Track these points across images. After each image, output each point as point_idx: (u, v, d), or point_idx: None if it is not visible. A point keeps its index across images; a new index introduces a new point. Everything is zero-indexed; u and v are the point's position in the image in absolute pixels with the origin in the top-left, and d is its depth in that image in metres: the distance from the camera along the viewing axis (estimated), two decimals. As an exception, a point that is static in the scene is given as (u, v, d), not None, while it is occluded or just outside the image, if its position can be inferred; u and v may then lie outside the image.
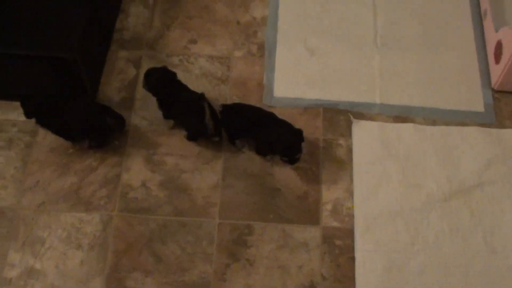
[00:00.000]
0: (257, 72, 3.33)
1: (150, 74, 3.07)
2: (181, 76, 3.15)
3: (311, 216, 2.91)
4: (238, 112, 3.03)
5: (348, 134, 3.13)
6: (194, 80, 3.22)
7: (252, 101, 3.19)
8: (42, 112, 2.97)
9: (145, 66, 3.23)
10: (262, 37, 3.46)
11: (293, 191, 2.96)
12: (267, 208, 2.92)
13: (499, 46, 3.25)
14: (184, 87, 3.08)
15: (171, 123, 3.13)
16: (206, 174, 3.00)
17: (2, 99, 3.16)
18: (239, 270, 2.77)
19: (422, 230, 2.86)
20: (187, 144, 3.07)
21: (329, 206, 2.93)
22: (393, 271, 2.77)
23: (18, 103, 2.99)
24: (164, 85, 3.04)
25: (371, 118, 3.19)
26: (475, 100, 3.28)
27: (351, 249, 2.83)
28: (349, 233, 2.87)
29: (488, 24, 3.44)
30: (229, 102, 3.17)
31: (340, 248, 2.83)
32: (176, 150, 3.05)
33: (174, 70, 3.11)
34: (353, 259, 2.80)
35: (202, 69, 3.33)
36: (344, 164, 3.04)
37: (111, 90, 3.24)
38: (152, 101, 3.11)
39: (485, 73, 3.36)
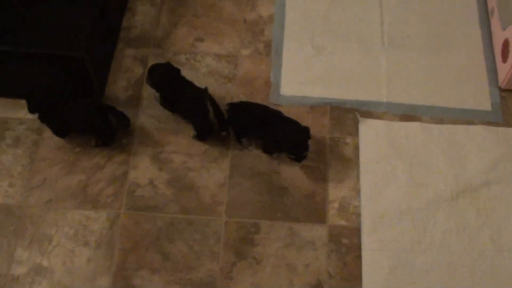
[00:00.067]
0: (263, 71, 3.33)
1: (154, 70, 3.08)
2: (188, 74, 3.16)
3: (318, 214, 2.91)
4: (244, 111, 3.03)
5: (355, 132, 3.13)
6: (201, 78, 3.22)
7: (259, 99, 3.19)
8: (44, 109, 2.98)
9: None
10: (269, 36, 3.46)
11: (300, 189, 2.96)
12: (274, 207, 2.92)
13: (506, 45, 3.25)
14: (188, 83, 3.09)
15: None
16: (213, 172, 3.00)
17: (10, 97, 3.16)
18: (246, 268, 2.78)
19: (429, 229, 2.86)
20: (194, 143, 3.07)
21: (335, 205, 2.93)
22: (400, 269, 2.77)
23: (25, 101, 3.00)
24: (168, 81, 3.05)
25: (378, 116, 3.19)
26: (482, 98, 3.27)
27: (357, 247, 2.83)
28: (356, 232, 2.87)
29: (495, 22, 3.43)
30: (235, 100, 3.17)
31: (346, 246, 2.83)
32: (183, 148, 3.06)
33: (181, 68, 3.11)
34: (359, 257, 2.80)
35: (209, 67, 3.33)
36: (351, 163, 3.04)
37: (118, 88, 3.24)
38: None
39: (492, 72, 3.35)
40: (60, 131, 3.05)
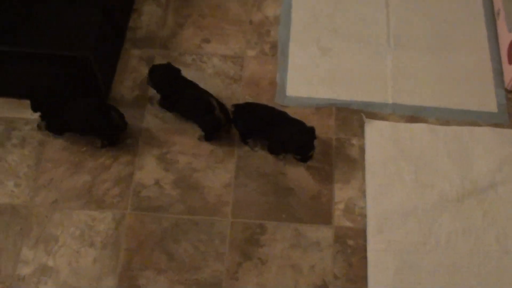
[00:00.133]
0: (269, 72, 3.33)
1: (154, 71, 3.08)
2: (194, 75, 3.16)
3: (323, 215, 2.91)
4: (250, 112, 3.03)
5: (360, 133, 3.12)
6: (207, 79, 3.22)
7: (265, 100, 3.19)
8: (45, 108, 2.99)
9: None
10: (275, 36, 3.46)
11: (306, 190, 2.96)
12: (279, 208, 2.92)
13: (512, 46, 3.26)
14: (189, 83, 3.10)
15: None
16: (218, 173, 3.00)
17: (16, 97, 3.17)
18: (251, 269, 2.78)
19: (434, 230, 2.86)
20: (200, 143, 3.07)
21: (341, 206, 2.93)
22: (405, 271, 2.77)
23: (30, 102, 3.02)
24: (168, 82, 3.06)
25: (383, 118, 3.19)
26: (488, 100, 3.27)
27: (363, 248, 2.83)
28: (362, 233, 2.87)
29: (501, 24, 3.43)
30: (241, 101, 3.17)
31: (352, 247, 2.83)
32: (189, 148, 3.06)
33: (187, 69, 3.12)
34: (365, 258, 2.80)
35: (215, 68, 3.33)
36: (356, 164, 3.04)
37: (124, 88, 3.25)
38: (165, 100, 3.14)
39: (498, 73, 3.35)
40: (57, 129, 3.06)
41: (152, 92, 3.19)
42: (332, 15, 3.55)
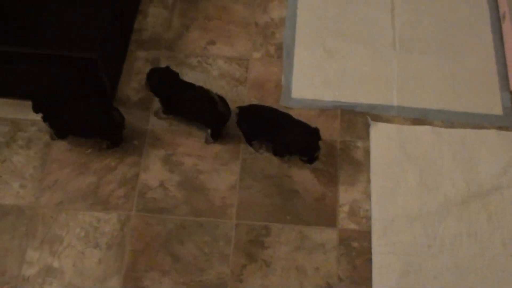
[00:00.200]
0: (275, 73, 3.33)
1: (152, 74, 3.08)
2: (200, 77, 3.17)
3: (328, 218, 2.91)
4: (255, 114, 3.03)
5: (365, 136, 3.12)
6: (212, 81, 3.22)
7: (270, 102, 3.19)
8: (46, 109, 3.00)
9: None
10: (280, 39, 3.47)
11: (311, 192, 2.96)
12: (284, 210, 2.92)
13: (518, 49, 3.26)
14: (188, 85, 3.10)
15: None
16: (223, 175, 3.00)
17: (21, 98, 3.17)
18: (256, 271, 2.78)
19: (439, 233, 2.86)
20: (205, 145, 3.08)
21: (346, 208, 2.93)
22: (410, 273, 2.77)
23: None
24: (167, 85, 3.06)
25: (388, 120, 3.19)
26: (493, 103, 3.27)
27: (368, 251, 2.83)
28: (366, 235, 2.87)
29: (507, 26, 3.42)
30: (247, 103, 3.17)
31: (357, 250, 2.83)
32: (194, 150, 3.06)
33: (192, 71, 3.13)
34: (370, 261, 2.80)
35: (220, 70, 3.33)
36: (361, 166, 3.04)
37: (129, 90, 3.25)
38: (170, 101, 3.14)
39: (504, 76, 3.34)
40: (60, 132, 3.07)
41: (156, 105, 3.19)
42: (338, 17, 3.55)
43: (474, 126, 3.18)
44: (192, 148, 3.07)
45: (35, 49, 2.98)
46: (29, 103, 3.04)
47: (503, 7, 3.50)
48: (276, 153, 3.05)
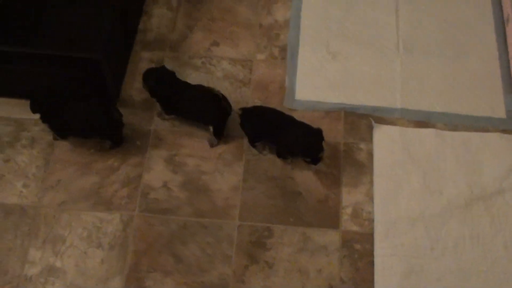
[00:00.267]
0: (278, 75, 3.33)
1: (149, 74, 3.09)
2: (203, 78, 3.18)
3: (331, 219, 2.91)
4: (258, 115, 3.03)
5: (369, 138, 3.12)
6: (216, 82, 3.23)
7: (274, 104, 3.19)
8: (45, 109, 3.00)
9: (168, 67, 3.23)
10: (284, 40, 3.47)
11: (314, 194, 2.96)
12: (287, 211, 2.92)
13: (522, 52, 3.26)
14: (186, 84, 3.10)
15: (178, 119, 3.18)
16: (227, 176, 3.00)
17: (25, 98, 3.16)
18: (258, 272, 2.78)
19: (442, 236, 2.85)
20: (208, 146, 3.08)
21: (349, 210, 2.93)
22: (412, 276, 2.76)
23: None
24: (166, 85, 3.06)
25: (392, 122, 3.18)
26: (497, 106, 3.26)
27: (370, 253, 2.83)
28: (369, 237, 2.86)
29: (511, 29, 3.42)
30: (250, 104, 3.17)
31: (359, 252, 2.83)
32: (198, 151, 3.07)
33: (196, 72, 3.14)
34: (372, 263, 2.80)
35: (224, 71, 3.33)
36: (364, 168, 3.04)
37: (133, 90, 3.26)
38: (174, 102, 3.14)
39: (507, 79, 3.34)
40: (60, 132, 3.07)
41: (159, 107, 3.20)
42: (342, 19, 3.55)
43: (478, 129, 3.18)
44: (195, 149, 3.07)
45: (38, 50, 2.98)
46: (32, 103, 3.05)
47: (507, 10, 3.50)
48: (279, 155, 3.05)
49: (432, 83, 3.32)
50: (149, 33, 3.47)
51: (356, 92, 3.28)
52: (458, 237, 2.85)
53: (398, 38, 3.48)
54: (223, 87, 3.21)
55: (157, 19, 3.53)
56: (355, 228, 2.89)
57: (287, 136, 2.96)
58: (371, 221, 2.90)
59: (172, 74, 3.10)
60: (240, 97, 3.24)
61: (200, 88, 3.06)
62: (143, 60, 3.35)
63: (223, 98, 3.02)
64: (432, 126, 3.18)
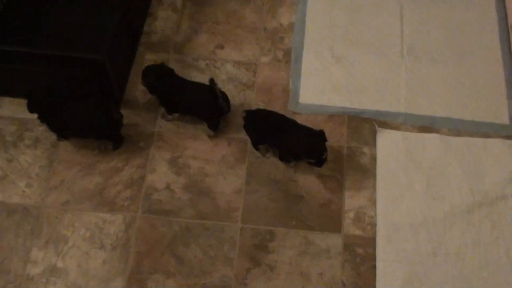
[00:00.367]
0: (282, 78, 3.33)
1: (148, 72, 3.09)
2: (207, 80, 3.17)
3: (333, 223, 2.91)
4: (262, 118, 3.03)
5: (372, 142, 3.13)
6: (220, 85, 3.21)
7: (277, 107, 3.20)
8: (43, 109, 3.00)
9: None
10: (289, 44, 3.47)
11: (316, 198, 2.96)
12: (289, 214, 2.92)
13: (526, 59, 3.26)
14: (185, 81, 3.11)
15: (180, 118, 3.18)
16: (230, 178, 3.01)
17: (29, 98, 3.19)
18: (260, 275, 2.78)
19: (444, 242, 2.85)
20: (212, 148, 3.08)
21: (351, 214, 2.93)
22: (414, 281, 2.76)
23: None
24: (163, 82, 3.07)
25: (395, 127, 3.19)
26: (500, 112, 3.26)
27: (372, 258, 2.83)
28: (371, 242, 2.87)
29: (515, 36, 3.44)
30: (254, 107, 3.18)
31: (361, 256, 2.83)
32: (201, 154, 3.07)
33: (200, 74, 3.14)
34: (374, 268, 2.80)
35: (228, 74, 3.34)
36: (367, 173, 3.04)
37: (137, 92, 3.26)
38: (178, 104, 3.15)
39: (511, 86, 3.34)
40: (59, 132, 3.07)
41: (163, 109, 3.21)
42: (346, 24, 3.55)
43: (481, 135, 3.18)
44: (198, 151, 3.08)
45: (43, 50, 2.98)
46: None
47: (511, 17, 3.50)
48: (282, 158, 3.05)
49: (436, 89, 3.32)
50: (153, 35, 3.48)
51: (360, 96, 3.28)
52: (460, 243, 2.85)
53: (402, 43, 3.48)
54: (227, 90, 3.21)
55: (162, 21, 3.53)
56: (357, 232, 2.89)
57: (289, 139, 2.96)
58: (374, 225, 2.90)
59: (171, 70, 3.10)
60: (244, 100, 3.24)
61: (198, 84, 3.07)
62: (148, 61, 3.35)
63: (222, 96, 3.03)
64: (436, 131, 3.18)
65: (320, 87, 3.31)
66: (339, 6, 3.63)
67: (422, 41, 3.49)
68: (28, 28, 3.24)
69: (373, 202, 2.96)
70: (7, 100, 3.22)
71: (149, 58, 3.37)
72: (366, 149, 3.11)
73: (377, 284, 2.76)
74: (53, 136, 3.09)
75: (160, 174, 3.01)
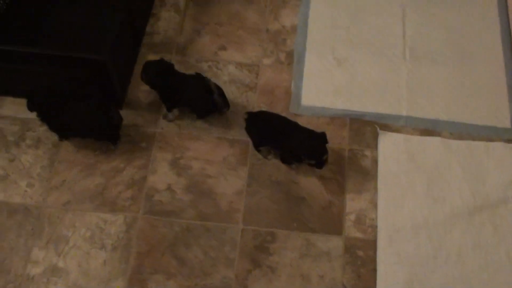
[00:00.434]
0: (285, 80, 3.33)
1: (148, 67, 3.10)
2: (211, 81, 3.19)
3: (334, 226, 2.91)
4: (264, 120, 3.03)
5: (374, 145, 3.13)
6: (222, 86, 3.22)
7: (279, 108, 3.20)
8: (44, 109, 3.01)
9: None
10: (291, 46, 3.47)
11: (317, 200, 2.96)
12: (290, 216, 2.92)
13: (528, 62, 3.26)
14: (185, 75, 3.12)
15: (179, 119, 3.19)
16: (231, 179, 3.01)
17: (31, 98, 3.19)
18: (261, 277, 2.78)
19: (445, 244, 2.85)
20: (214, 150, 3.08)
21: (352, 217, 2.93)
22: (415, 284, 2.76)
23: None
24: (163, 77, 3.07)
25: (397, 130, 3.19)
26: (502, 115, 3.27)
27: (373, 260, 2.83)
28: (372, 244, 2.87)
29: (518, 40, 3.44)
30: (256, 109, 3.18)
31: (362, 259, 2.83)
32: (203, 154, 3.07)
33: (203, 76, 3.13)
34: (375, 270, 2.80)
35: (230, 75, 3.34)
36: (369, 175, 3.04)
37: (140, 92, 3.26)
38: (180, 105, 3.15)
39: (513, 89, 3.36)
40: (59, 131, 3.07)
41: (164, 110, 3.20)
42: (349, 26, 3.56)
43: (483, 138, 3.18)
44: (200, 152, 3.08)
45: (46, 50, 2.98)
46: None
47: (514, 20, 3.52)
48: (283, 160, 3.05)
49: (438, 92, 3.32)
50: (156, 36, 3.48)
51: (361, 98, 3.28)
52: (461, 245, 2.85)
53: (404, 45, 3.48)
54: (229, 91, 3.22)
55: (164, 22, 3.53)
56: (358, 234, 2.89)
57: (291, 141, 2.96)
58: (375, 228, 2.90)
59: (171, 65, 3.11)
60: (246, 102, 3.24)
61: (196, 77, 3.08)
62: (150, 62, 3.35)
63: (218, 91, 3.05)
64: (438, 134, 3.18)
65: (322, 89, 3.31)
66: (341, 8, 3.63)
67: (424, 43, 3.50)
68: (30, 28, 3.24)
69: (374, 204, 2.96)
70: (8, 100, 3.21)
71: (151, 59, 3.35)
72: (367, 152, 3.11)
73: (377, 287, 2.76)
74: (54, 136, 3.09)
75: (161, 174, 3.01)
